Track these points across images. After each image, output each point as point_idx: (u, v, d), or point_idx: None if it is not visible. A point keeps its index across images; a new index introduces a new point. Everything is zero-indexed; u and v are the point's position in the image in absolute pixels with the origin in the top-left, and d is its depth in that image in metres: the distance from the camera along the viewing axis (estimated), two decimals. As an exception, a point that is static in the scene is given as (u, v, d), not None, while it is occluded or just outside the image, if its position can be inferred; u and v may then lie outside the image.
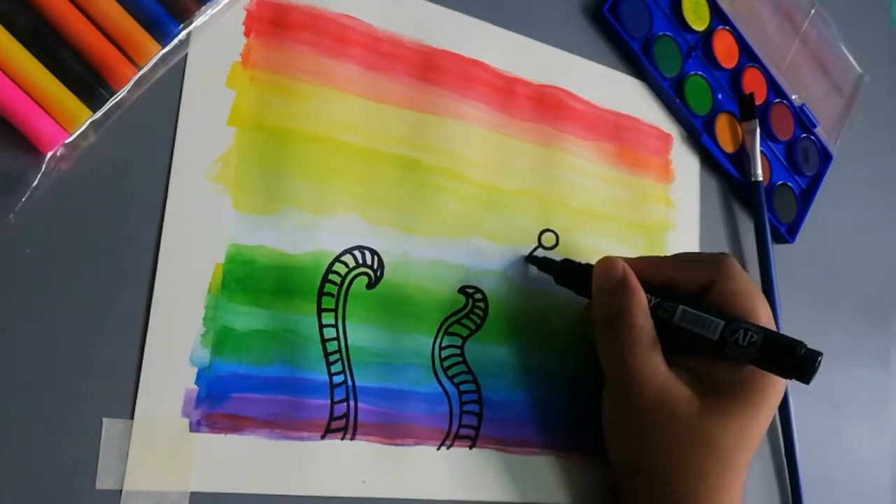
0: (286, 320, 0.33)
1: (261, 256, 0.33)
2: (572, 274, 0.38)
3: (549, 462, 0.38)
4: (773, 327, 0.35)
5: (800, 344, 0.33)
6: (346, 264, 0.34)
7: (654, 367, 0.34)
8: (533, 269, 0.40)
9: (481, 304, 0.38)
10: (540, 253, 0.40)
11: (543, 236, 0.41)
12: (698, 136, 0.48)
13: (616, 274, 0.36)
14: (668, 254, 0.45)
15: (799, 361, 0.33)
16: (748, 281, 0.36)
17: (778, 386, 0.35)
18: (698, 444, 0.34)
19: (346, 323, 0.34)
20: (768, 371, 0.34)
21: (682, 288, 0.36)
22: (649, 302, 0.35)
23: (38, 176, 0.28)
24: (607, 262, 0.36)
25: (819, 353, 0.33)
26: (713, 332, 0.34)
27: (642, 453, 0.35)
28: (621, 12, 0.45)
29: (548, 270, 0.39)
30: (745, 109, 0.50)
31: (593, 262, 0.38)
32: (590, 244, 0.42)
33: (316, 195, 0.34)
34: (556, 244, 0.41)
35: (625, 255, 0.37)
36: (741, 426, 0.34)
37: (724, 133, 0.49)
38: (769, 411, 0.35)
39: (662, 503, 0.35)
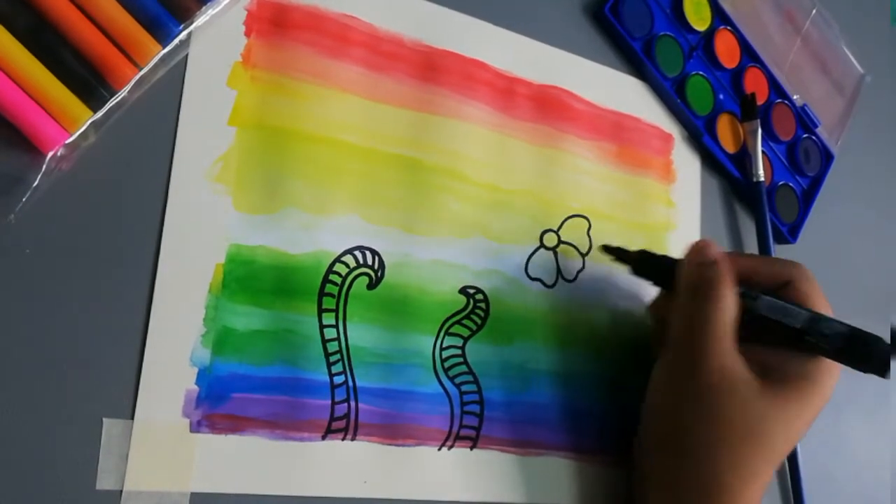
0: (287, 320, 0.33)
1: (261, 256, 0.33)
2: (653, 264, 0.39)
3: (551, 463, 0.38)
4: None
5: (881, 339, 0.34)
6: (346, 265, 0.34)
7: (727, 343, 0.34)
8: (533, 270, 0.40)
9: (482, 305, 0.38)
10: (542, 254, 0.40)
11: (545, 236, 0.41)
12: (699, 136, 0.48)
13: (712, 251, 0.36)
14: (669, 254, 0.45)
15: (879, 355, 0.34)
16: (819, 288, 0.38)
17: (830, 384, 0.36)
18: (747, 427, 0.34)
19: (347, 323, 0.34)
20: (846, 363, 0.35)
21: (758, 283, 0.37)
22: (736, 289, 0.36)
23: (39, 176, 0.28)
24: (704, 242, 0.37)
25: (892, 347, 0.34)
26: (798, 321, 0.35)
27: (686, 429, 0.35)
28: (622, 12, 0.45)
29: (625, 260, 0.39)
30: (747, 109, 0.50)
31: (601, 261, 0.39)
32: (590, 245, 0.42)
33: (316, 195, 0.34)
34: (558, 244, 0.41)
35: None
36: (790, 415, 0.34)
37: (726, 133, 0.49)
38: (817, 407, 0.36)
39: (691, 483, 0.34)
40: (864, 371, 0.35)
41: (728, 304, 0.35)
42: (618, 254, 0.39)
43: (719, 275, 0.35)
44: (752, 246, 0.50)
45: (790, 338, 0.35)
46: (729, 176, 0.49)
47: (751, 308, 0.36)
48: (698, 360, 0.35)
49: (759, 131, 0.49)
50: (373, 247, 0.35)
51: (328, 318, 0.34)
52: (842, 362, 0.35)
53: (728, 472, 0.34)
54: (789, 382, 0.35)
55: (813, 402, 0.35)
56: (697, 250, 0.37)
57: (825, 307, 0.37)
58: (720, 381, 0.34)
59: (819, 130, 0.55)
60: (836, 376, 0.36)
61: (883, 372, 0.34)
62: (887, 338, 0.35)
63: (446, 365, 0.36)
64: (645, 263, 0.39)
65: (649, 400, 0.37)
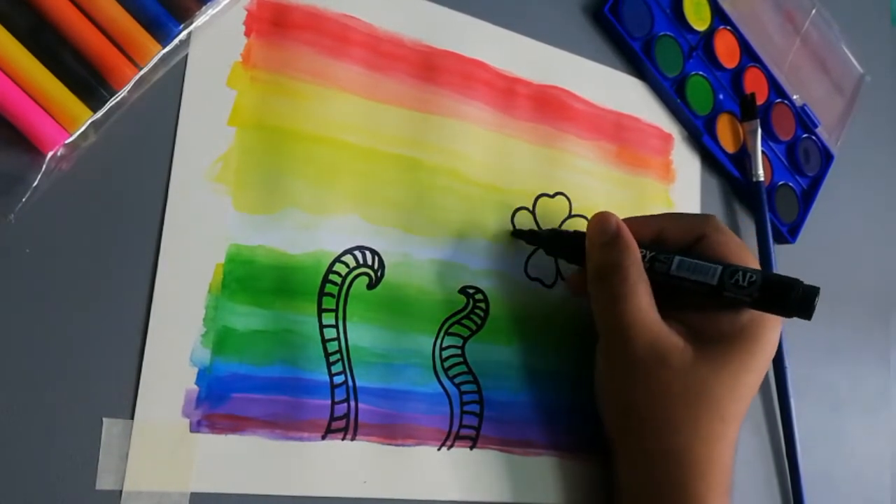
0: (287, 320, 0.33)
1: (261, 256, 0.33)
2: (562, 242, 0.38)
3: (550, 463, 0.38)
4: None
5: (798, 282, 0.34)
6: (346, 264, 0.34)
7: (648, 316, 0.35)
8: (533, 270, 0.40)
9: (482, 305, 0.38)
10: (542, 254, 0.40)
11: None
12: (699, 136, 0.48)
13: (610, 227, 0.36)
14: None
15: (799, 297, 0.33)
16: (734, 235, 0.37)
17: (772, 336, 0.35)
18: (690, 393, 0.34)
19: (347, 323, 0.34)
20: (769, 311, 0.35)
21: (671, 242, 0.37)
22: (644, 256, 0.36)
23: (39, 176, 0.28)
24: (601, 216, 0.36)
25: (817, 289, 0.33)
26: (712, 277, 0.35)
27: (634, 407, 0.35)
28: (622, 12, 0.45)
29: (536, 242, 0.39)
30: (747, 109, 0.50)
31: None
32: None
33: (316, 195, 0.34)
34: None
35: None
36: (734, 375, 0.34)
37: (725, 133, 0.49)
38: (763, 361, 0.35)
39: (655, 458, 0.35)
40: (788, 316, 0.34)
41: (636, 280, 0.35)
42: (529, 237, 0.39)
43: (621, 253, 0.35)
44: (752, 246, 0.50)
45: (710, 295, 0.35)
46: (729, 176, 0.49)
47: (664, 271, 0.35)
48: (624, 341, 0.35)
49: (759, 131, 0.49)
50: (373, 247, 0.35)
51: (328, 318, 0.34)
52: (765, 311, 0.35)
53: (686, 439, 0.34)
54: (725, 341, 0.35)
55: (755, 356, 0.35)
56: (596, 225, 0.36)
57: (745, 255, 0.36)
58: (651, 355, 0.34)
59: (819, 130, 0.55)
60: (775, 325, 0.35)
61: (806, 314, 0.33)
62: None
63: (446, 365, 0.36)
64: (556, 242, 0.38)
65: (597, 386, 0.38)
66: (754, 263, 0.36)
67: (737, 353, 0.35)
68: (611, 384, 0.37)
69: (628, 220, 0.37)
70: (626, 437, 0.36)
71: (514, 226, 0.40)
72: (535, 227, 0.40)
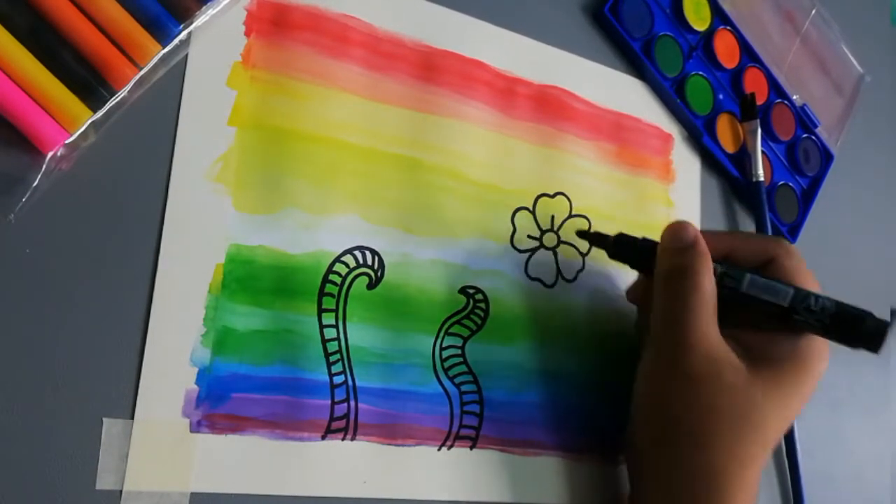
0: (286, 320, 0.33)
1: (261, 256, 0.33)
2: (630, 247, 0.38)
3: (550, 463, 0.38)
4: None
5: (870, 314, 0.33)
6: (346, 264, 0.34)
7: (709, 330, 0.34)
8: (533, 270, 0.40)
9: (482, 305, 0.38)
10: (542, 254, 0.40)
11: (545, 236, 0.41)
12: (699, 136, 0.48)
13: (688, 235, 0.35)
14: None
15: (870, 330, 0.33)
16: (804, 262, 0.37)
17: (821, 366, 0.35)
18: (738, 413, 0.33)
19: (347, 323, 0.34)
20: (836, 340, 0.34)
21: (741, 260, 0.37)
22: (715, 271, 0.35)
23: (39, 176, 0.28)
24: (678, 224, 0.36)
25: (888, 323, 0.33)
26: (783, 299, 0.34)
27: (677, 420, 0.34)
28: (622, 12, 0.45)
29: (602, 245, 0.38)
30: (746, 109, 0.50)
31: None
32: (589, 248, 0.42)
33: (316, 195, 0.34)
34: (558, 244, 0.41)
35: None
36: (783, 400, 0.34)
37: (725, 133, 0.49)
38: (810, 390, 0.35)
39: (687, 475, 0.34)
40: (855, 347, 0.34)
41: (707, 290, 0.34)
42: (594, 238, 0.38)
43: (696, 259, 0.35)
44: (751, 246, 0.50)
45: (776, 316, 0.34)
46: (728, 176, 0.49)
47: (734, 287, 0.35)
48: (682, 350, 0.34)
49: (759, 131, 0.49)
50: (373, 247, 0.35)
51: (328, 318, 0.34)
52: (831, 339, 0.34)
53: (724, 459, 0.33)
54: (778, 364, 0.34)
55: (805, 382, 0.35)
56: (673, 233, 0.36)
57: (812, 283, 0.36)
58: (706, 369, 0.33)
59: (819, 130, 0.55)
60: (826, 354, 0.35)
61: (875, 347, 0.33)
62: (888, 316, 0.35)
63: (446, 365, 0.36)
64: (622, 247, 0.38)
65: (638, 394, 0.37)
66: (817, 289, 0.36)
67: (789, 379, 0.34)
68: (656, 393, 0.36)
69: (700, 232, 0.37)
70: (661, 449, 0.35)
71: (513, 226, 0.40)
72: (538, 229, 0.40)
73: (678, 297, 0.34)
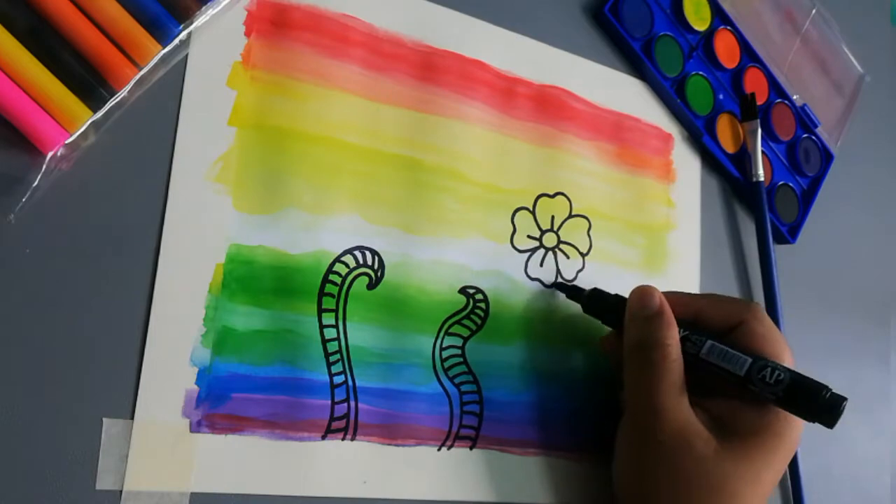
0: (287, 320, 0.33)
1: (261, 256, 0.33)
2: (602, 304, 0.38)
3: (550, 463, 0.38)
4: None
5: (825, 387, 0.33)
6: (346, 264, 0.34)
7: (679, 401, 0.34)
8: (533, 270, 0.40)
9: (482, 305, 0.38)
10: (541, 254, 0.40)
11: (545, 237, 0.41)
12: (699, 136, 0.48)
13: (654, 303, 0.36)
14: (669, 255, 0.45)
15: (824, 404, 0.33)
16: (775, 327, 0.36)
17: (795, 435, 0.35)
18: (710, 485, 0.33)
19: (347, 323, 0.34)
20: (792, 412, 0.34)
21: (709, 324, 0.37)
22: (679, 334, 0.35)
23: (39, 176, 0.28)
24: (645, 290, 0.36)
25: (843, 399, 0.33)
26: (740, 368, 0.34)
27: (654, 491, 0.34)
28: (622, 12, 0.45)
29: (577, 299, 0.39)
30: (747, 109, 0.50)
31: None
32: (590, 245, 0.42)
33: (316, 195, 0.34)
34: (558, 244, 0.41)
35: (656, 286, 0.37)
36: (755, 472, 0.34)
37: (726, 133, 0.49)
38: (784, 459, 0.35)
39: None
40: (811, 420, 0.33)
41: (673, 360, 0.34)
42: (570, 291, 0.39)
43: (662, 330, 0.35)
44: (752, 246, 0.50)
45: (736, 384, 0.34)
46: (729, 176, 0.49)
47: (694, 353, 0.35)
48: (652, 420, 0.34)
49: (759, 131, 0.49)
50: (373, 247, 0.35)
51: (328, 318, 0.34)
52: (787, 410, 0.34)
53: None
54: (747, 436, 0.34)
55: (776, 455, 0.34)
56: (638, 299, 0.36)
57: (782, 349, 0.36)
58: (676, 440, 0.33)
59: (819, 130, 0.55)
60: (798, 425, 0.35)
61: (831, 422, 0.32)
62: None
63: (446, 365, 0.36)
64: (595, 302, 0.39)
65: (615, 463, 0.37)
66: (791, 360, 0.36)
67: (760, 450, 0.34)
68: (632, 463, 0.36)
69: (668, 296, 0.37)
70: None
71: (513, 226, 0.40)
72: (538, 229, 0.40)
73: (646, 368, 0.35)
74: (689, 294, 0.39)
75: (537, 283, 0.40)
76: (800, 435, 0.35)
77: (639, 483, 0.35)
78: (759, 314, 0.36)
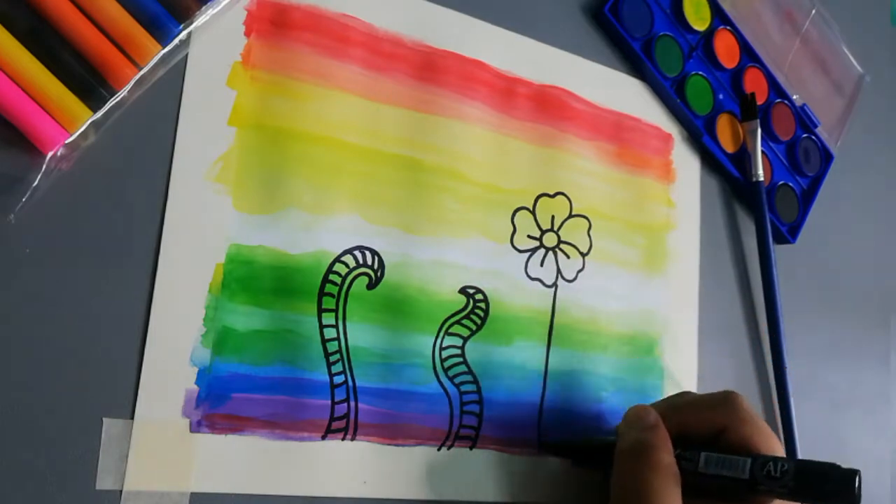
0: (287, 320, 0.33)
1: (261, 256, 0.33)
2: (593, 448, 0.38)
3: (549, 462, 0.38)
4: None
5: (833, 466, 0.32)
6: (346, 264, 0.34)
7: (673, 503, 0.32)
8: (533, 270, 0.40)
9: (482, 305, 0.38)
10: (541, 254, 0.40)
11: (545, 236, 0.41)
12: (699, 136, 0.48)
13: (650, 418, 0.35)
14: (669, 255, 0.45)
15: (837, 482, 0.31)
16: (758, 419, 0.35)
17: None
18: None
19: (347, 323, 0.34)
20: (807, 501, 0.32)
21: (695, 436, 0.35)
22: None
23: (39, 176, 0.28)
24: (640, 408, 0.36)
25: (856, 472, 0.31)
26: (742, 471, 0.33)
27: None
28: (622, 12, 0.45)
29: (567, 455, 0.38)
30: (746, 109, 0.50)
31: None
32: (591, 245, 0.42)
33: (316, 195, 0.34)
34: (558, 244, 0.41)
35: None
36: None
37: (725, 133, 0.49)
38: None
39: None
40: (829, 503, 0.32)
41: (668, 464, 0.33)
42: (557, 450, 0.38)
43: (657, 438, 0.34)
44: (752, 246, 0.50)
45: (741, 489, 0.33)
46: (729, 176, 0.49)
47: (691, 469, 0.34)
48: None
49: (759, 131, 0.49)
50: (373, 247, 0.35)
51: (328, 318, 0.34)
52: (801, 501, 0.32)
53: None
54: None
55: None
56: (635, 415, 0.35)
57: (769, 438, 0.35)
58: None
59: (818, 130, 0.55)
60: None
61: (850, 500, 0.31)
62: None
63: (446, 365, 0.36)
64: (587, 450, 0.38)
65: None
66: (781, 450, 0.35)
67: None
68: None
69: (655, 408, 0.36)
70: None
71: (513, 226, 0.40)
72: (538, 229, 0.40)
73: (639, 471, 0.33)
74: (671, 406, 0.37)
75: (537, 282, 0.40)
76: None
77: None
78: (741, 413, 0.35)
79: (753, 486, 0.33)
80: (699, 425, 0.35)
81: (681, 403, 0.37)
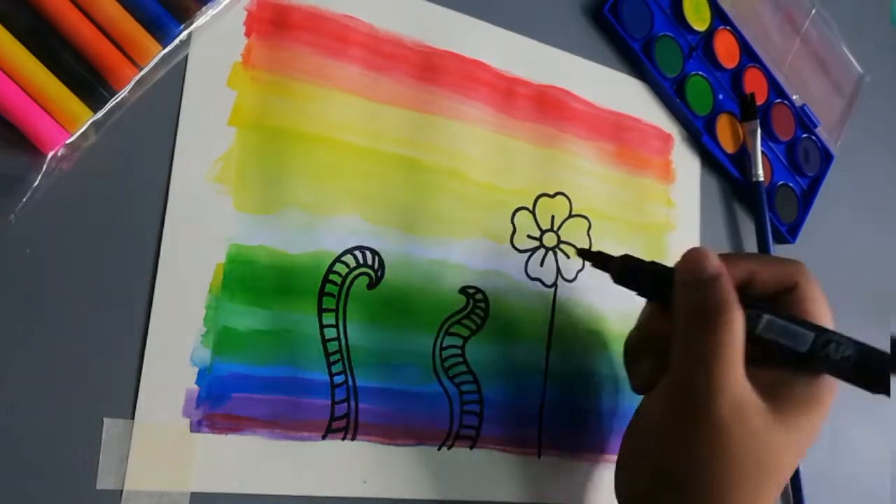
0: (287, 320, 0.33)
1: (261, 256, 0.33)
2: (639, 271, 0.34)
3: (550, 462, 0.38)
4: None
5: (893, 358, 0.31)
6: (346, 264, 0.34)
7: (738, 373, 0.31)
8: (533, 270, 0.40)
9: (482, 305, 0.38)
10: (541, 254, 0.40)
11: (545, 236, 0.41)
12: (699, 136, 0.48)
13: (711, 265, 0.32)
14: (669, 255, 0.45)
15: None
16: (821, 288, 0.34)
17: (830, 402, 0.33)
18: (761, 459, 0.31)
19: (347, 323, 0.34)
20: (861, 385, 0.32)
21: (760, 288, 0.34)
22: None
23: (39, 176, 0.28)
24: (699, 251, 0.33)
25: None
26: (803, 344, 0.32)
27: (695, 466, 0.31)
28: (622, 12, 0.45)
29: (605, 268, 0.35)
30: (746, 110, 0.50)
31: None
32: (590, 244, 0.42)
33: (316, 195, 0.34)
34: (558, 244, 0.41)
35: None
36: (799, 442, 0.32)
37: (725, 133, 0.49)
38: (819, 430, 0.33)
39: None
40: (875, 392, 0.32)
41: (739, 328, 0.31)
42: (597, 259, 0.35)
43: (724, 296, 0.31)
44: (751, 246, 0.50)
45: (793, 359, 0.32)
46: (728, 176, 0.49)
47: (748, 330, 0.32)
48: (709, 395, 0.31)
49: (759, 131, 0.49)
50: (373, 247, 0.35)
51: (328, 318, 0.34)
52: (855, 384, 0.32)
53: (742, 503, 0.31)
54: (797, 406, 0.32)
55: (817, 424, 0.33)
56: (694, 263, 0.33)
57: (827, 312, 0.34)
58: (734, 414, 0.31)
59: (818, 130, 0.55)
60: (835, 392, 0.33)
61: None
62: (883, 338, 0.33)
63: (446, 365, 0.36)
64: (630, 271, 0.34)
65: (645, 434, 0.33)
66: (831, 321, 0.34)
67: (805, 421, 0.32)
68: (672, 436, 0.32)
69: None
70: (667, 495, 0.32)
71: (513, 226, 0.40)
72: (538, 229, 0.40)
73: (708, 338, 0.31)
74: (736, 255, 0.35)
75: (537, 282, 0.40)
76: (832, 401, 0.34)
77: (679, 458, 0.32)
78: (810, 275, 0.34)
79: (809, 360, 0.32)
80: (768, 277, 0.34)
81: (748, 254, 0.36)
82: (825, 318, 0.34)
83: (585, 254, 0.36)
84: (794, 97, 0.54)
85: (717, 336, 0.31)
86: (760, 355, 0.32)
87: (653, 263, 0.34)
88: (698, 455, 0.31)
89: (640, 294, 0.35)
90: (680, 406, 0.32)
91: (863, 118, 0.59)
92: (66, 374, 0.28)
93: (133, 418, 0.29)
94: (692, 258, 0.33)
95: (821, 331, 0.32)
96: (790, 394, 0.32)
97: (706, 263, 0.32)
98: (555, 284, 0.41)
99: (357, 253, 0.35)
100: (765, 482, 0.31)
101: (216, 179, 0.32)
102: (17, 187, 0.28)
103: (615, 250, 0.43)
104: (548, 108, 0.42)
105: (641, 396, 0.35)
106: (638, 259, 0.34)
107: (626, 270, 0.34)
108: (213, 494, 0.30)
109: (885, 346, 0.33)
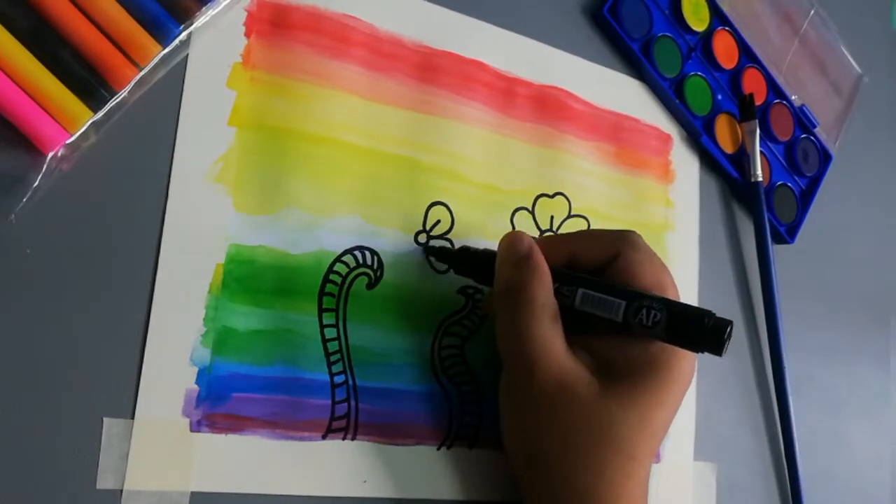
0: (287, 320, 0.33)
1: (261, 256, 0.33)
2: (472, 261, 0.36)
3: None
4: (678, 298, 0.33)
5: (707, 314, 0.31)
6: (346, 264, 0.34)
7: (553, 345, 0.32)
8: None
9: (481, 305, 0.38)
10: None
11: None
12: (698, 136, 0.48)
13: (522, 247, 0.33)
14: (668, 255, 0.45)
15: (708, 332, 0.31)
16: (653, 253, 0.35)
17: (686, 366, 0.33)
18: (596, 432, 0.31)
19: (347, 323, 0.34)
20: (678, 346, 0.32)
21: (584, 263, 0.34)
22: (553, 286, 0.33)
23: (39, 176, 0.28)
24: (513, 235, 0.34)
25: (729, 322, 0.31)
26: (616, 314, 0.32)
27: (538, 444, 0.32)
28: (621, 13, 0.45)
29: (447, 261, 0.36)
30: (745, 110, 0.50)
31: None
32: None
33: (316, 195, 0.34)
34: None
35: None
36: (644, 412, 0.32)
37: (724, 133, 0.49)
38: (677, 394, 0.33)
39: (555, 496, 0.32)
40: (698, 351, 0.32)
41: (541, 303, 0.32)
42: (440, 255, 0.36)
43: (528, 273, 0.32)
44: (750, 246, 0.50)
45: (619, 326, 0.32)
46: (727, 176, 0.50)
47: (568, 305, 0.33)
48: (529, 371, 0.32)
49: (758, 131, 0.49)
50: (372, 247, 0.35)
51: (328, 318, 0.34)
52: (674, 345, 0.32)
53: (591, 481, 0.31)
54: (634, 374, 0.32)
55: (668, 391, 0.32)
56: (508, 245, 0.34)
57: (661, 276, 0.34)
58: (556, 387, 0.31)
59: (817, 131, 0.55)
60: (690, 356, 0.33)
61: (716, 349, 0.30)
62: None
63: (445, 364, 0.36)
64: (465, 260, 0.36)
65: (501, 414, 0.35)
66: (673, 288, 0.34)
67: (647, 388, 0.32)
68: (514, 418, 0.34)
69: (540, 241, 0.35)
70: (532, 473, 0.33)
71: (513, 226, 0.40)
72: (538, 229, 0.40)
73: (514, 312, 0.32)
74: (562, 236, 0.36)
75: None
76: (693, 366, 0.33)
77: (523, 439, 0.33)
78: (635, 242, 0.34)
79: (627, 328, 0.32)
80: (589, 252, 0.34)
81: (576, 233, 0.37)
82: (652, 280, 0.33)
83: (432, 251, 0.37)
84: (793, 97, 0.54)
85: (525, 310, 0.32)
86: (597, 329, 0.33)
87: (485, 251, 0.36)
88: (533, 431, 0.32)
89: (478, 281, 0.36)
90: (508, 384, 0.34)
91: (861, 118, 0.59)
92: (66, 374, 0.28)
93: (133, 418, 0.29)
94: (508, 240, 0.34)
95: (632, 298, 0.32)
96: (624, 362, 0.32)
97: (518, 244, 0.33)
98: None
99: (357, 253, 0.35)
100: (606, 454, 0.31)
101: (216, 179, 0.32)
102: (18, 187, 0.28)
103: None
104: (547, 108, 0.42)
105: None
106: (474, 249, 0.36)
107: (462, 261, 0.36)
108: (213, 494, 0.30)
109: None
